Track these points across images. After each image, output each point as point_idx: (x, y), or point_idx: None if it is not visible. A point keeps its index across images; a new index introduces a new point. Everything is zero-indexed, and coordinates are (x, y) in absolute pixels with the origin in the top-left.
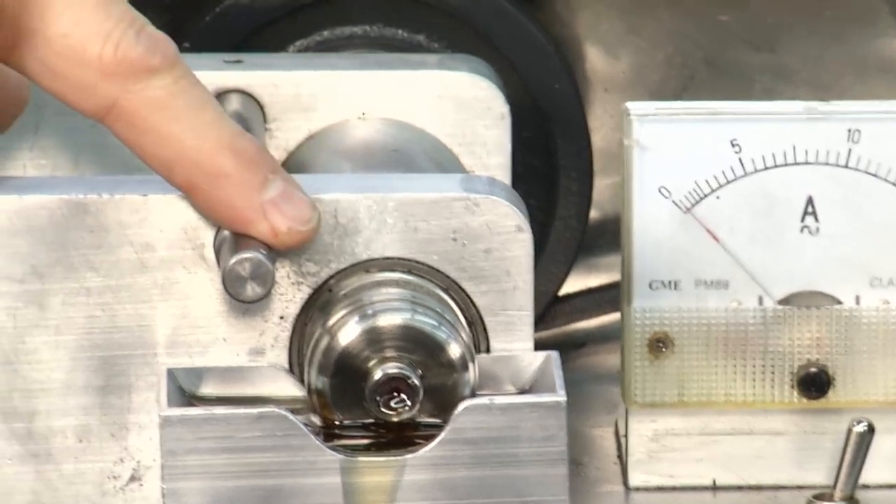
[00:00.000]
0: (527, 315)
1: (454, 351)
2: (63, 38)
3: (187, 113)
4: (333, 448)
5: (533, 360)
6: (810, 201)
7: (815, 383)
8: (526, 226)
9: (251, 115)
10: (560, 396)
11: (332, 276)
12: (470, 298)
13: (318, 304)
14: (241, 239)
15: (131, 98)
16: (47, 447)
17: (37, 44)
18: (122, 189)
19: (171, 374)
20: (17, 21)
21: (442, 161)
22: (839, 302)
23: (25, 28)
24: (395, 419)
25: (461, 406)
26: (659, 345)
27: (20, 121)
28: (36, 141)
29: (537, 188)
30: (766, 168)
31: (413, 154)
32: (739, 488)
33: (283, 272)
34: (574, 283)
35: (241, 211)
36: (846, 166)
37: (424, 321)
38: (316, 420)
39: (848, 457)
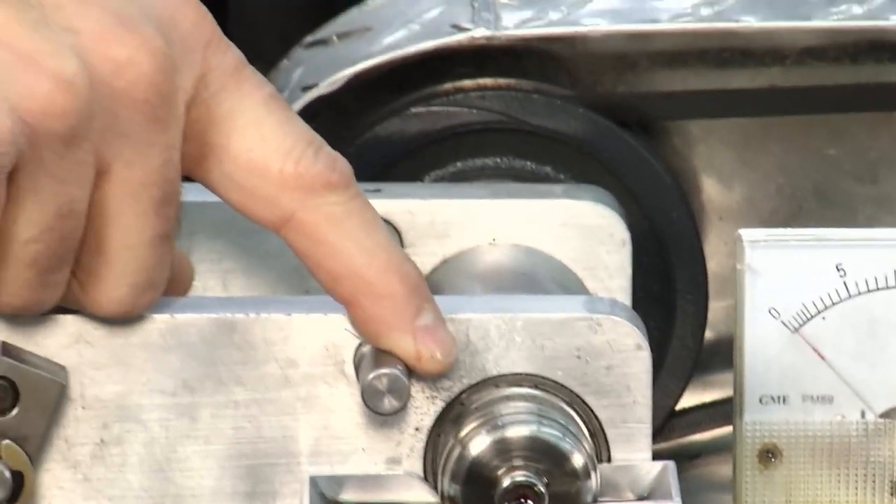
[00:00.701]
0: (645, 427)
1: (577, 460)
2: (248, 153)
3: (360, 231)
4: None
5: (651, 470)
6: None
7: None
8: (645, 344)
9: None
10: None
11: (464, 391)
12: (592, 411)
13: (451, 416)
14: (379, 355)
15: (309, 212)
16: None
17: (222, 158)
18: (268, 309)
19: (314, 481)
20: (204, 137)
21: (567, 283)
22: None
23: (212, 143)
24: None
25: None
26: (768, 455)
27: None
28: None
29: (656, 310)
30: (869, 291)
31: (540, 277)
32: None
33: (418, 387)
34: (690, 398)
35: (395, 331)
36: None
37: (550, 433)
38: None
39: None
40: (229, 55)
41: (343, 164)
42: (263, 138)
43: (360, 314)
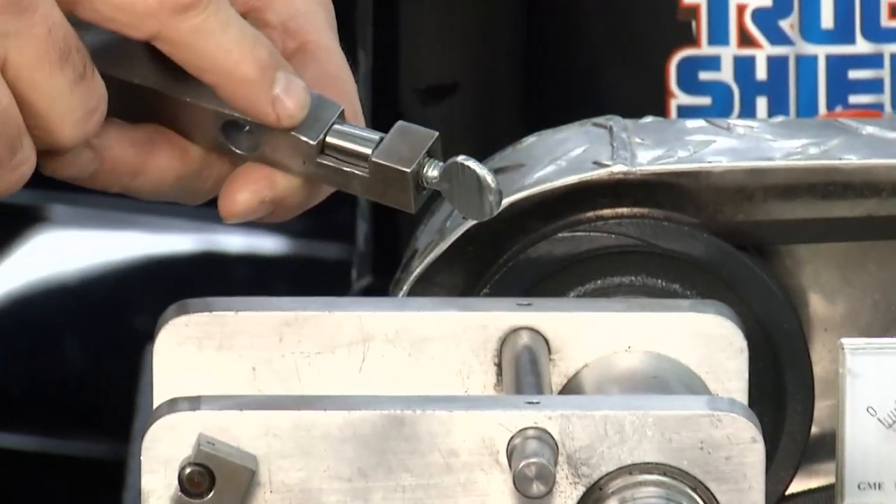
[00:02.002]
0: None
1: None
2: None
3: (216, 34)
4: None
5: None
6: None
7: None
8: (760, 438)
9: (538, 347)
10: None
11: (602, 477)
12: (714, 496)
13: (591, 499)
14: (529, 444)
15: (171, 29)
16: None
17: (91, 3)
18: (432, 406)
19: None
20: None
21: (692, 385)
22: None
23: None
24: None
25: None
26: None
27: (350, 352)
28: (363, 367)
29: (769, 408)
30: None
31: (668, 379)
32: None
33: (562, 474)
34: (798, 485)
35: (256, 106)
36: None
37: None
38: None
39: None
40: None
41: None
42: None
43: (225, 96)
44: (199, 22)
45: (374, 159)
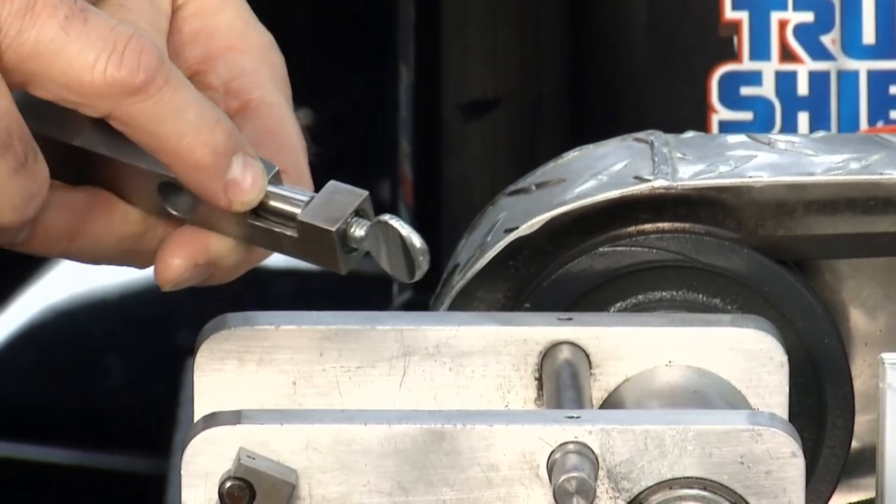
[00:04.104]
0: None
1: None
2: (60, 77)
3: (170, 117)
4: None
5: None
6: None
7: None
8: (799, 453)
9: (578, 361)
10: None
11: (642, 492)
12: None
13: None
14: (569, 459)
15: (122, 111)
16: None
17: (41, 83)
18: (473, 420)
19: None
20: (20, 69)
21: (732, 400)
22: None
23: (28, 72)
24: None
25: None
26: None
27: (391, 366)
28: (404, 381)
29: (809, 423)
30: None
31: (709, 394)
32: None
33: (602, 488)
34: (837, 499)
35: (208, 191)
36: None
37: None
38: None
39: None
40: None
41: (148, 58)
42: (69, 62)
43: (178, 176)
44: (151, 105)
45: (300, 219)
